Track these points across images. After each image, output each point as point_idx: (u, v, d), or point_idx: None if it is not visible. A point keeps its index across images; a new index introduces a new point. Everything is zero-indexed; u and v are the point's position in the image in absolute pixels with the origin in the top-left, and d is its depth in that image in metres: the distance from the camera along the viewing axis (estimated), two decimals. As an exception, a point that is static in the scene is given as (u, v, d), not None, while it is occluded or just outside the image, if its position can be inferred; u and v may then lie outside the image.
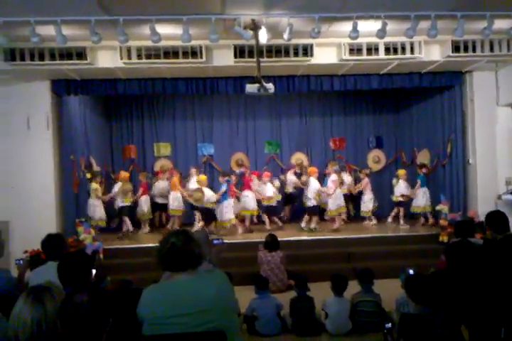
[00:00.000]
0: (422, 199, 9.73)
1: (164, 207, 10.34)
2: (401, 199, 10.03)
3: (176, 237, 2.61)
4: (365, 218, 10.43)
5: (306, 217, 9.61)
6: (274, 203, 10.02)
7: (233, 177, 9.99)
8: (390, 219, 10.20)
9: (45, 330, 2.24)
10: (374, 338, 5.00)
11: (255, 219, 10.40)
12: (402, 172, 10.31)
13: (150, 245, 8.26)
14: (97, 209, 9.12)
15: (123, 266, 7.82)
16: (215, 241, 4.32)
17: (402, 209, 10.10)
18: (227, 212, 9.23)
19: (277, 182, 10.41)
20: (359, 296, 5.43)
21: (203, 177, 9.90)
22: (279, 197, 10.27)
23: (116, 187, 9.68)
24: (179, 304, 2.48)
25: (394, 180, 10.44)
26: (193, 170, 10.36)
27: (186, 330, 2.45)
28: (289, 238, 8.63)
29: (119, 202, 9.58)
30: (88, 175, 9.31)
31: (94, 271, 3.72)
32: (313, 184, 9.51)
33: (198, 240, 2.72)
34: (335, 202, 9.40)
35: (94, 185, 9.23)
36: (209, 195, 9.44)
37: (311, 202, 9.48)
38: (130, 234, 9.42)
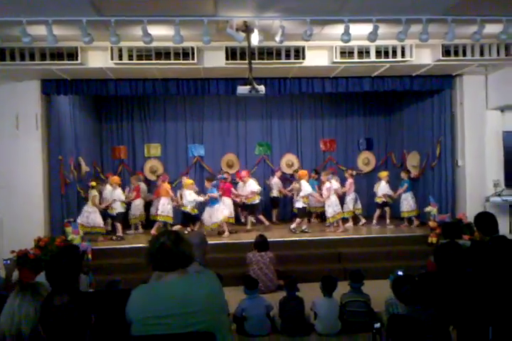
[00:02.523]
0: (409, 203, 9.91)
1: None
2: (384, 199, 10.11)
3: (165, 237, 2.60)
4: (347, 219, 10.35)
5: (298, 219, 9.59)
6: (257, 200, 10.00)
7: (226, 175, 10.01)
8: (375, 221, 10.19)
9: None
10: (363, 338, 5.03)
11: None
12: (384, 173, 10.38)
13: (139, 245, 8.25)
14: (92, 216, 8.96)
15: (112, 266, 7.79)
16: None
17: (388, 210, 10.17)
18: (217, 216, 9.18)
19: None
20: (348, 296, 5.46)
21: (189, 181, 9.86)
22: (259, 197, 10.18)
23: (107, 192, 9.52)
24: (169, 305, 2.47)
25: (376, 185, 10.49)
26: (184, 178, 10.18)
27: (175, 331, 2.44)
28: (280, 238, 8.65)
29: (119, 208, 9.44)
30: (93, 183, 9.20)
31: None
32: (305, 187, 9.52)
33: (191, 241, 2.72)
34: (332, 210, 9.41)
35: (94, 192, 9.12)
36: (191, 198, 9.43)
37: (299, 204, 9.52)
38: (120, 239, 9.25)
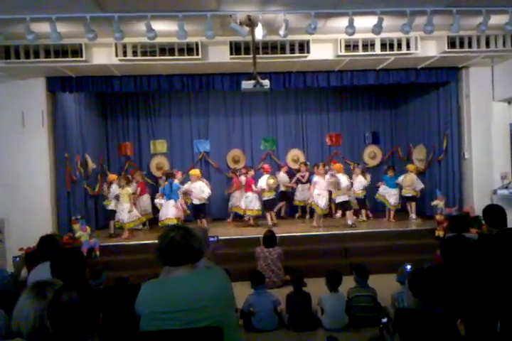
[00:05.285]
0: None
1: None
2: (410, 194, 9.86)
3: (175, 232, 2.62)
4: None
5: (348, 212, 9.43)
6: (272, 196, 9.99)
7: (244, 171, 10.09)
8: (413, 216, 9.90)
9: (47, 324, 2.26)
10: (370, 333, 5.01)
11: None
12: (412, 166, 10.02)
13: (146, 242, 8.27)
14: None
15: (119, 262, 7.81)
16: (210, 239, 4.32)
17: (414, 204, 9.98)
18: (169, 210, 8.93)
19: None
20: (355, 291, 5.45)
21: (195, 171, 9.85)
22: (272, 193, 10.10)
23: (115, 190, 9.30)
24: (178, 300, 2.48)
25: (401, 177, 10.02)
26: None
27: (184, 326, 2.45)
28: (286, 234, 8.64)
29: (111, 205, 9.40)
30: (122, 181, 9.21)
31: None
32: (342, 180, 9.43)
33: (198, 236, 2.73)
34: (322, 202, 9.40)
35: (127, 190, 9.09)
36: (200, 190, 9.43)
37: (342, 198, 9.41)
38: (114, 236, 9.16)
